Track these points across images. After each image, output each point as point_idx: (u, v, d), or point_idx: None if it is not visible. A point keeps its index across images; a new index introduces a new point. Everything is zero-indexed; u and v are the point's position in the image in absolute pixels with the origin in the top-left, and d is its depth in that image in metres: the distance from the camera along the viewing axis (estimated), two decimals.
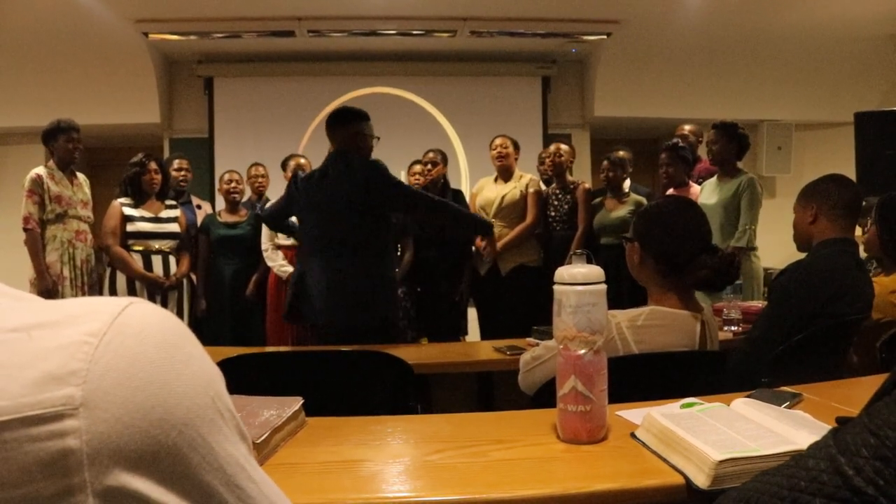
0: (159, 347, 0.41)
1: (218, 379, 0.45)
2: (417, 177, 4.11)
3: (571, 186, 4.07)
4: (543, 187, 4.21)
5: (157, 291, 3.51)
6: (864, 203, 2.19)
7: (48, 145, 3.56)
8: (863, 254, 2.38)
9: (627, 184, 4.09)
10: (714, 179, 3.59)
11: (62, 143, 3.54)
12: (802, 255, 2.14)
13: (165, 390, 0.40)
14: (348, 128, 2.67)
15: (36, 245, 3.44)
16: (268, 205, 3.81)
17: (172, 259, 3.57)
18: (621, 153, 4.04)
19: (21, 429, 0.36)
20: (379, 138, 2.74)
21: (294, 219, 2.92)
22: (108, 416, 0.37)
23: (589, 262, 1.14)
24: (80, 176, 3.72)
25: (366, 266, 2.60)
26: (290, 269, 3.67)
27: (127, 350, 0.40)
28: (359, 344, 2.24)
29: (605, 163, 4.05)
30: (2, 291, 0.44)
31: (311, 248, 2.71)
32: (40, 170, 3.50)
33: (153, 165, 3.55)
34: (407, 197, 2.70)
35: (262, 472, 0.47)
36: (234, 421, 0.45)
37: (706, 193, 3.58)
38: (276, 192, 4.26)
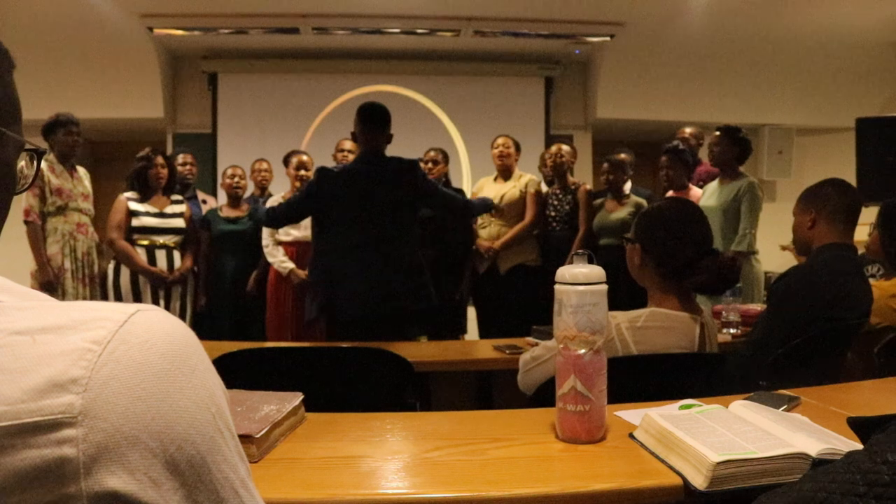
0: (164, 358, 0.41)
1: (220, 393, 0.44)
2: None
3: (573, 187, 4.07)
4: (545, 188, 4.22)
5: (161, 286, 3.51)
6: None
7: (48, 139, 3.55)
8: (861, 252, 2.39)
9: (628, 186, 4.09)
10: (715, 182, 3.59)
11: (61, 137, 3.54)
12: (802, 259, 2.15)
13: (167, 403, 0.39)
14: (386, 129, 2.75)
15: (37, 237, 3.45)
16: (271, 203, 3.82)
17: (177, 254, 3.58)
18: (622, 155, 4.04)
19: (19, 436, 0.36)
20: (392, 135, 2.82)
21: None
22: (106, 425, 0.37)
23: (590, 262, 1.14)
24: (81, 169, 3.72)
25: (406, 258, 2.77)
26: (291, 265, 3.67)
27: (130, 359, 0.39)
28: (380, 336, 2.37)
29: (606, 164, 4.05)
30: (7, 288, 0.44)
31: (345, 246, 2.73)
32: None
33: (160, 160, 3.55)
34: (436, 196, 2.90)
35: (256, 499, 0.46)
36: (234, 440, 0.45)
37: (707, 196, 3.59)
38: (278, 187, 4.27)
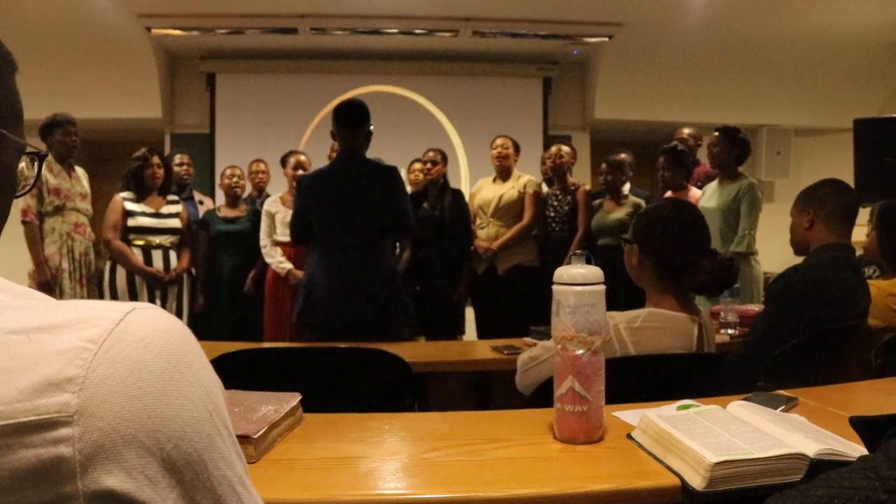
0: (160, 356, 0.40)
1: (217, 391, 0.44)
2: (417, 174, 4.12)
3: (572, 188, 4.08)
4: (546, 188, 4.22)
5: (157, 286, 3.50)
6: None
7: (45, 139, 3.55)
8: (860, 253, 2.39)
9: (627, 186, 4.09)
10: (715, 183, 3.60)
11: (59, 137, 3.54)
12: (801, 260, 2.15)
13: (163, 401, 0.39)
14: (364, 126, 2.68)
15: (34, 237, 3.45)
16: (268, 203, 3.82)
17: (173, 254, 3.57)
18: (621, 156, 4.05)
19: (15, 435, 0.36)
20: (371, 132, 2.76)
21: None
22: (103, 424, 0.37)
23: (588, 262, 1.14)
24: (79, 169, 3.72)
25: (379, 262, 2.68)
26: (289, 265, 3.67)
27: (126, 358, 0.39)
28: (361, 340, 2.26)
29: (604, 165, 4.06)
30: (5, 288, 0.44)
31: (324, 248, 2.69)
32: None
33: (156, 160, 3.54)
34: (405, 210, 2.76)
35: (254, 497, 0.46)
36: (231, 438, 0.44)
37: (706, 197, 3.59)
38: (276, 188, 4.27)
